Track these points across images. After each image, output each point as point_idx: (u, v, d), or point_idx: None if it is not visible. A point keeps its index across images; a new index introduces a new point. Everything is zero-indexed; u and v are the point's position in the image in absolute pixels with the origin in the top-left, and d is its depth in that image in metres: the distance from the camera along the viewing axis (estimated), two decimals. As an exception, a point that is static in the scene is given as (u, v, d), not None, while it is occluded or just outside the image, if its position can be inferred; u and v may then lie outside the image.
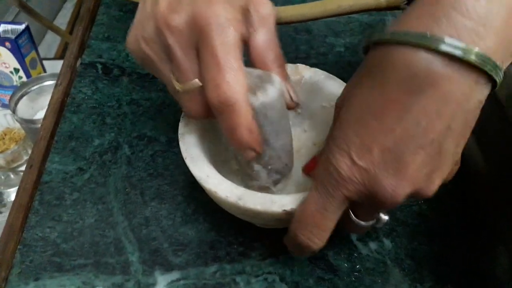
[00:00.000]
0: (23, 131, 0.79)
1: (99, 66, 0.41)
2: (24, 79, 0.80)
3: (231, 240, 0.30)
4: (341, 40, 0.44)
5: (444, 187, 0.32)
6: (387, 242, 0.30)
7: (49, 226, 0.30)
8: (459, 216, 0.31)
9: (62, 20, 1.65)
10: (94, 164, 0.34)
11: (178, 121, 0.37)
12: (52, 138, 0.36)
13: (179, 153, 0.34)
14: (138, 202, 0.32)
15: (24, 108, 0.70)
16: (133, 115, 0.37)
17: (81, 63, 0.42)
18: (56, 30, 0.57)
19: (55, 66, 0.93)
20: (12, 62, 0.78)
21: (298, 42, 0.44)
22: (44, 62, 0.88)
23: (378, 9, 0.33)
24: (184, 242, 0.30)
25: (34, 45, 0.83)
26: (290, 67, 0.31)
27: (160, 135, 0.36)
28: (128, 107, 0.38)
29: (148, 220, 0.31)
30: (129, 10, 0.47)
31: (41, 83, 0.76)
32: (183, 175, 0.33)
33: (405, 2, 0.32)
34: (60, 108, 0.38)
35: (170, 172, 0.34)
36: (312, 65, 0.42)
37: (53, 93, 0.39)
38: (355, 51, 0.43)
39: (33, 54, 0.82)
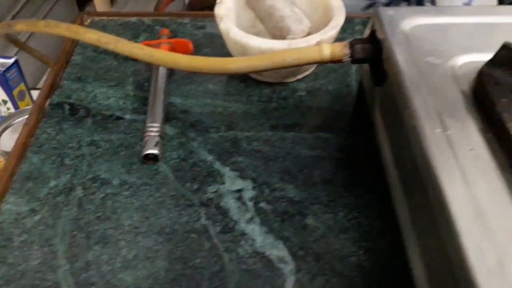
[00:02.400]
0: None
1: (67, 107, 0.43)
2: (12, 110, 0.83)
3: (166, 288, 0.31)
4: (304, 84, 0.45)
5: (385, 238, 0.32)
6: (321, 295, 0.30)
7: (-6, 267, 0.31)
8: (397, 270, 0.31)
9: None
10: (46, 206, 0.35)
11: (133, 163, 0.38)
12: (11, 178, 0.37)
13: (129, 196, 0.36)
14: (82, 245, 0.33)
15: (7, 140, 0.72)
16: (91, 156, 0.39)
17: (50, 103, 0.43)
18: (46, 62, 0.59)
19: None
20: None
21: (262, 85, 0.45)
22: (33, 92, 0.91)
23: (322, 63, 0.34)
24: (120, 288, 0.31)
25: (23, 78, 0.85)
26: None
27: (113, 178, 0.37)
28: (88, 148, 0.39)
29: (89, 264, 0.32)
30: (103, 51, 0.49)
31: (26, 115, 0.79)
32: (129, 219, 0.34)
33: (349, 56, 0.33)
34: (23, 149, 0.39)
35: (117, 216, 0.34)
36: (273, 109, 0.43)
37: (20, 133, 0.41)
38: (315, 95, 0.44)
39: (21, 86, 0.85)
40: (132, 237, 0.33)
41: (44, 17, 1.39)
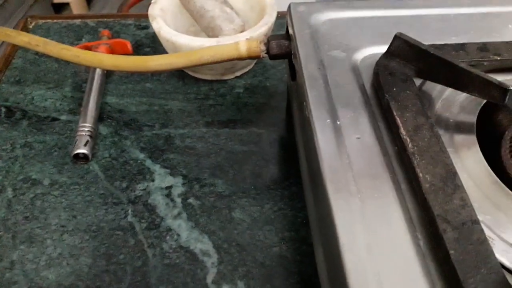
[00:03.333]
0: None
1: (3, 110, 0.43)
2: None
3: (88, 284, 0.31)
4: (242, 81, 0.46)
5: (307, 226, 0.33)
6: (240, 285, 0.31)
7: None
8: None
9: None
10: (-25, 208, 0.35)
11: (65, 163, 0.38)
12: None
13: (58, 196, 0.36)
14: (8, 245, 0.33)
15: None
16: (24, 158, 0.39)
17: (-14, 107, 0.43)
18: None
19: None
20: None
21: (201, 83, 0.46)
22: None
23: (241, 59, 0.34)
24: (42, 286, 0.31)
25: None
26: None
27: (44, 178, 0.37)
28: (21, 150, 0.39)
29: (13, 263, 0.32)
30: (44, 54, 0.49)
31: None
32: (56, 218, 0.34)
33: (265, 52, 0.34)
34: (-44, 152, 0.39)
35: (45, 216, 0.35)
36: (210, 106, 0.43)
37: (-45, 136, 0.41)
38: (253, 92, 0.45)
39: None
40: (58, 235, 0.34)
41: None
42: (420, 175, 0.21)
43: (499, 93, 0.23)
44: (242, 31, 0.44)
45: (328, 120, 0.25)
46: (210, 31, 0.45)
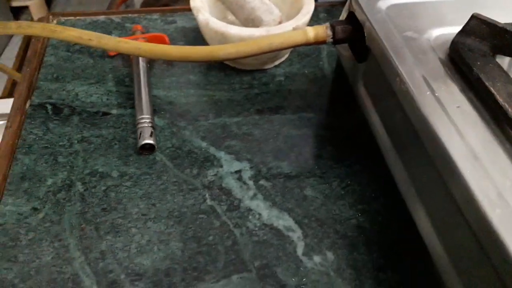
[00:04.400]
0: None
1: (49, 107, 0.42)
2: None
3: (185, 267, 0.32)
4: (281, 70, 0.48)
5: (378, 200, 0.35)
6: (329, 255, 0.33)
7: (5, 267, 0.31)
8: (394, 227, 0.35)
9: (10, 54, 1.62)
10: (48, 203, 0.35)
11: (129, 155, 0.39)
12: (5, 180, 0.36)
13: (131, 186, 0.37)
14: (93, 237, 0.33)
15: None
16: (84, 152, 0.39)
17: (30, 105, 0.43)
18: (2, 69, 0.57)
19: (3, 105, 0.92)
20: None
21: (242, 73, 0.47)
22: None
23: (307, 44, 0.36)
24: (140, 272, 0.31)
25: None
26: None
27: (112, 170, 0.37)
28: (80, 145, 0.39)
29: (104, 253, 0.32)
30: (77, 50, 0.48)
31: (4, 119, 0.75)
32: (136, 208, 0.35)
33: (331, 37, 0.36)
34: (11, 151, 0.38)
35: (123, 206, 0.35)
36: (256, 95, 0.45)
37: (3, 135, 0.40)
38: (293, 79, 0.47)
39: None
40: (142, 223, 0.34)
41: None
42: (526, 133, 0.24)
43: None
44: (280, 22, 0.46)
45: (428, 93, 0.27)
46: (250, 22, 0.46)
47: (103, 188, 0.36)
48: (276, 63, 0.48)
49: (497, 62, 0.29)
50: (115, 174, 0.37)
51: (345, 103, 0.44)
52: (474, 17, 0.30)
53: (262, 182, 0.37)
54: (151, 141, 0.38)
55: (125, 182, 0.37)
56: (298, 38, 0.36)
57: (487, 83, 0.27)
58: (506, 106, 0.26)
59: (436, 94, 0.27)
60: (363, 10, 0.34)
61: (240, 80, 0.46)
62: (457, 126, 0.26)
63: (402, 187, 0.31)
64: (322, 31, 0.36)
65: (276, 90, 0.46)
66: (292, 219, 0.35)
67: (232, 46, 0.36)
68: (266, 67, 0.48)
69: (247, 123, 0.42)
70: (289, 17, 0.46)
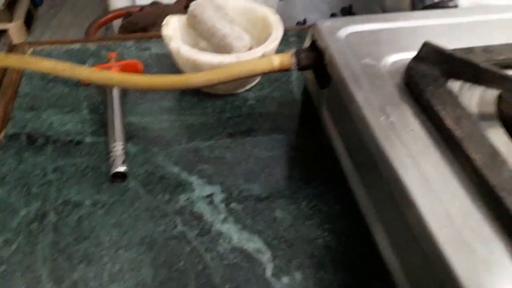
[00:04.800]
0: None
1: (23, 137, 0.43)
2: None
3: (156, 292, 0.32)
4: (252, 94, 0.49)
5: (343, 220, 0.36)
6: (297, 275, 0.34)
7: (-23, 301, 0.31)
8: (359, 247, 0.36)
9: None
10: (21, 235, 0.35)
11: (102, 183, 0.39)
12: (-23, 212, 0.37)
13: (104, 214, 0.37)
14: (66, 267, 0.34)
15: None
16: (58, 182, 0.39)
17: (5, 135, 0.43)
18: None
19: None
20: None
21: (214, 98, 0.48)
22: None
23: (274, 72, 0.38)
24: (111, 300, 0.32)
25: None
26: None
27: (85, 199, 0.38)
28: (53, 174, 0.40)
29: (76, 283, 0.33)
30: (52, 79, 0.49)
31: None
32: (108, 236, 0.36)
33: (296, 64, 0.38)
34: (-15, 182, 0.39)
35: (96, 235, 0.36)
36: (227, 119, 0.46)
37: (-23, 167, 0.41)
38: (264, 103, 0.48)
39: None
40: (114, 252, 0.35)
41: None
42: (472, 156, 0.26)
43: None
44: (250, 48, 0.48)
45: (382, 118, 0.29)
46: (221, 49, 0.47)
47: (76, 217, 0.37)
48: (248, 87, 0.49)
49: (447, 87, 0.30)
50: (88, 202, 0.38)
51: (312, 126, 0.45)
52: (426, 44, 0.31)
53: (233, 205, 0.38)
54: (122, 169, 0.39)
55: (98, 210, 0.37)
56: (265, 66, 0.37)
57: (436, 108, 0.28)
58: (454, 129, 0.27)
59: (391, 119, 0.29)
60: (324, 38, 0.35)
61: (213, 105, 0.48)
62: (410, 149, 0.27)
63: (364, 208, 0.32)
64: (287, 59, 0.37)
65: (247, 113, 0.47)
66: (262, 241, 0.36)
67: (203, 75, 0.38)
68: (238, 91, 0.49)
69: (219, 146, 0.43)
70: (260, 41, 0.47)
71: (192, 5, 0.48)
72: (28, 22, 2.08)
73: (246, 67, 0.37)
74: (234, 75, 0.37)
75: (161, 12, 0.93)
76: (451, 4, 0.40)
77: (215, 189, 0.39)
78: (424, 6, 0.41)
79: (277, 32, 0.46)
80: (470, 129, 0.27)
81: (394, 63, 0.34)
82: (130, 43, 0.55)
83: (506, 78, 0.29)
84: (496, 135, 0.29)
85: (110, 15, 0.97)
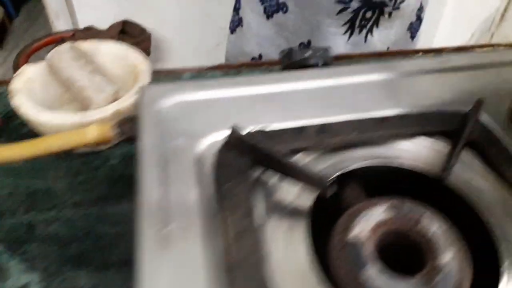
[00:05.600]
0: None
1: None
2: None
3: None
4: (119, 151, 0.44)
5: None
6: None
7: None
8: None
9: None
10: None
11: None
12: None
13: None
14: None
15: None
16: None
17: None
18: None
19: None
20: None
21: (72, 156, 0.43)
22: None
23: (91, 145, 0.32)
24: None
25: None
26: None
27: None
28: None
29: None
30: None
31: None
32: None
33: (120, 135, 0.32)
34: None
35: None
36: (80, 183, 0.41)
37: None
38: (130, 162, 0.43)
39: None
40: None
41: None
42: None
43: (319, 182, 0.23)
44: (116, 98, 0.42)
45: (157, 228, 0.23)
46: (82, 102, 0.42)
47: None
48: (115, 142, 0.44)
49: (250, 182, 0.25)
50: None
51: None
52: (234, 131, 0.26)
53: (48, 299, 0.33)
54: None
55: None
56: (78, 139, 0.32)
57: (223, 213, 0.23)
58: (229, 251, 0.22)
59: (168, 229, 0.23)
60: (141, 109, 0.30)
61: (69, 165, 0.42)
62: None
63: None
64: (107, 130, 0.32)
65: (104, 176, 0.41)
66: None
67: (9, 149, 0.32)
68: (101, 148, 0.44)
69: (58, 219, 0.38)
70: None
71: (50, 53, 0.43)
72: (2, 34, 2.05)
73: (56, 142, 0.31)
74: (41, 151, 0.31)
75: (94, 38, 0.88)
76: (313, 61, 0.35)
77: (32, 278, 0.34)
78: (287, 64, 0.35)
79: (140, 85, 0.41)
80: (248, 250, 0.22)
81: (213, 144, 0.28)
82: (2, 88, 0.50)
83: (312, 175, 0.24)
84: (298, 242, 0.23)
85: (40, 42, 0.91)
